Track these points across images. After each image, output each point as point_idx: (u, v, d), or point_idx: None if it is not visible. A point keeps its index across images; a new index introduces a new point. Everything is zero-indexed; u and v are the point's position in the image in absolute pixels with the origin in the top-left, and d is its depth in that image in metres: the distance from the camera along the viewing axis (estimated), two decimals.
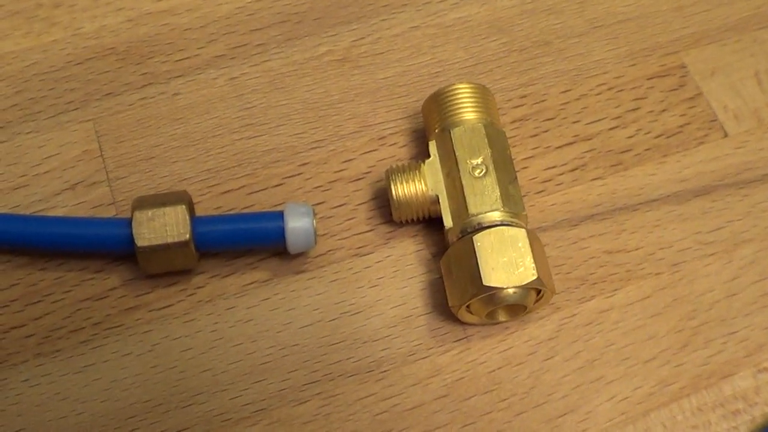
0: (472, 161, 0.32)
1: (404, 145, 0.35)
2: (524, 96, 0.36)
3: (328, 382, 0.31)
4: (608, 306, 0.33)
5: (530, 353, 0.32)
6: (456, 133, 0.33)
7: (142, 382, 0.31)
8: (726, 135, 0.36)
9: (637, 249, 0.34)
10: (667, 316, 0.33)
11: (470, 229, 0.31)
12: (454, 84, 0.34)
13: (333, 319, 0.32)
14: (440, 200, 0.32)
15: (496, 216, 0.31)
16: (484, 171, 0.32)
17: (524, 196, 0.35)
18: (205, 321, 0.32)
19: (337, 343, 0.32)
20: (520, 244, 0.31)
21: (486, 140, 0.32)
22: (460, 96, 0.33)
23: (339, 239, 0.34)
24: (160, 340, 0.32)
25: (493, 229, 0.31)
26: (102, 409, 0.31)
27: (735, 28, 0.39)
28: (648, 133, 0.36)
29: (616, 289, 0.33)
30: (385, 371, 0.32)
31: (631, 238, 0.34)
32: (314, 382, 0.31)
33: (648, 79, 0.37)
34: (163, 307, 0.32)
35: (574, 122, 0.36)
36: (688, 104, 0.37)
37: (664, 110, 0.37)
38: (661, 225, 0.35)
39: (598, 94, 0.37)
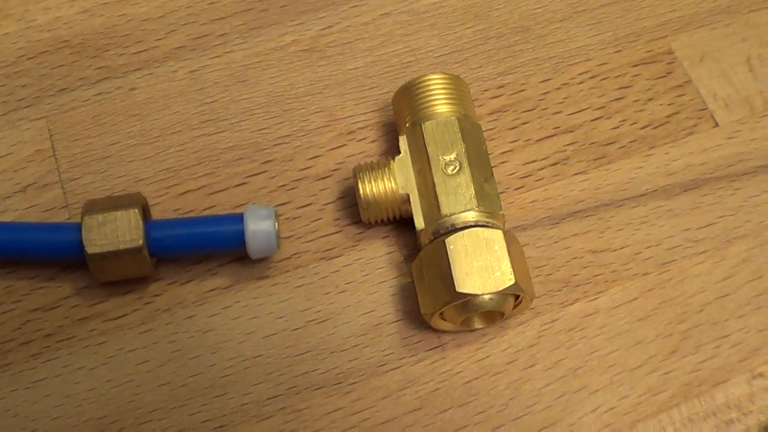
0: (445, 157, 0.30)
1: (374, 140, 0.33)
2: (502, 86, 0.34)
3: (293, 395, 0.30)
4: (592, 310, 0.31)
5: (509, 362, 0.30)
6: (427, 127, 0.31)
7: (95, 398, 0.30)
8: (716, 125, 0.34)
9: (622, 248, 0.32)
10: (655, 319, 0.31)
11: (443, 230, 0.29)
12: (425, 75, 0.32)
13: (298, 328, 0.30)
14: (411, 200, 0.30)
15: (470, 216, 0.29)
16: (457, 168, 0.30)
17: (502, 193, 0.33)
18: (162, 331, 0.30)
19: (303, 353, 0.30)
20: (496, 247, 0.29)
21: (459, 134, 0.30)
22: (432, 87, 0.31)
23: (305, 242, 0.32)
24: (115, 353, 0.30)
25: (467, 230, 0.29)
26: (53, 427, 0.29)
27: (726, 11, 0.36)
28: (634, 123, 0.34)
29: (600, 292, 0.31)
30: (353, 383, 0.30)
31: (617, 236, 0.32)
32: (278, 395, 0.30)
33: (633, 66, 0.35)
34: (119, 317, 0.31)
35: (555, 113, 0.34)
36: (676, 92, 0.35)
37: (650, 99, 0.34)
38: (648, 222, 0.33)
39: (580, 83, 0.35)
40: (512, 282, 0.28)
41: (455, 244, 0.29)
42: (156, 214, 0.32)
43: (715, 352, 0.31)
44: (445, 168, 0.30)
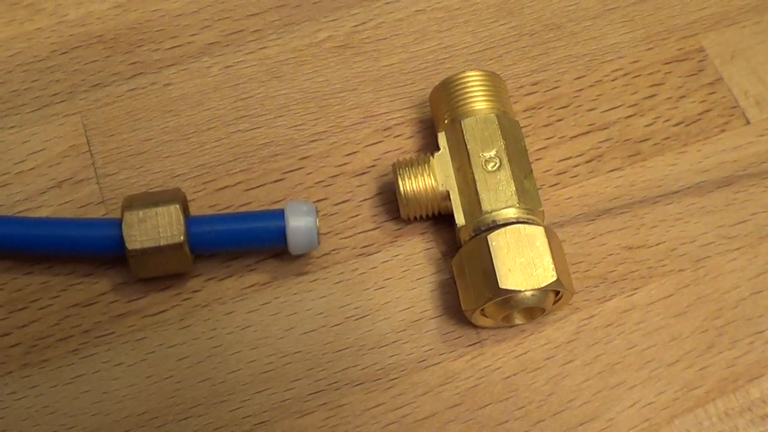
0: (485, 154, 0.30)
1: (411, 137, 0.33)
2: (536, 83, 0.34)
3: (334, 391, 0.30)
4: (629, 306, 0.31)
5: (548, 357, 0.30)
6: (467, 124, 0.31)
7: (135, 394, 0.29)
8: (748, 122, 0.35)
9: (658, 244, 0.32)
10: (690, 315, 0.31)
11: (484, 227, 0.29)
12: (463, 71, 0.32)
13: (337, 324, 0.30)
14: (451, 196, 0.30)
15: (511, 213, 0.29)
16: (497, 164, 0.30)
17: (539, 188, 0.33)
18: (201, 327, 0.30)
19: (343, 349, 0.30)
20: (537, 243, 0.29)
21: (499, 131, 0.31)
22: (470, 84, 0.31)
23: (343, 238, 0.32)
24: (154, 348, 0.30)
25: (508, 227, 0.29)
26: (93, 423, 0.29)
27: (756, 9, 0.37)
28: (667, 120, 0.34)
29: (637, 288, 0.32)
30: (394, 379, 0.30)
31: (652, 232, 0.32)
32: (319, 391, 0.30)
33: (665, 63, 0.35)
34: (157, 313, 0.31)
35: (590, 110, 0.34)
36: (707, 90, 0.35)
37: (682, 96, 0.35)
38: (682, 218, 0.33)
39: (613, 80, 0.35)
40: (554, 278, 0.28)
41: (497, 240, 0.29)
42: (193, 210, 0.32)
43: (750, 347, 0.31)
44: (485, 165, 0.30)
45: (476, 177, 0.30)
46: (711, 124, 0.34)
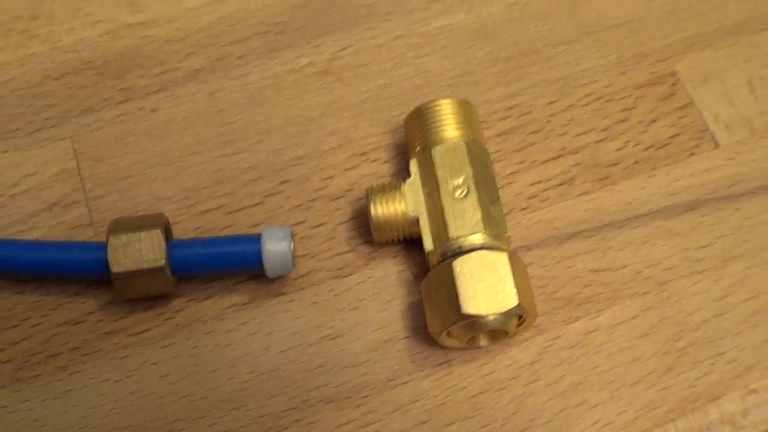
0: (453, 181, 0.31)
1: (386, 161, 0.34)
2: (510, 108, 0.36)
3: (307, 408, 0.31)
4: (593, 327, 0.33)
5: (512, 377, 0.32)
6: (437, 151, 0.32)
7: (120, 409, 0.31)
8: (717, 146, 0.35)
9: (624, 267, 0.33)
10: (653, 337, 0.32)
11: (450, 252, 0.31)
12: (435, 100, 0.33)
13: (312, 344, 0.32)
14: (420, 222, 0.32)
15: (477, 239, 0.31)
16: (465, 192, 0.31)
17: (508, 213, 0.34)
18: (183, 346, 0.32)
19: (317, 368, 0.32)
20: (500, 269, 0.30)
21: (468, 159, 0.32)
22: (441, 112, 0.33)
23: (319, 260, 0.33)
24: (138, 366, 0.32)
25: (473, 253, 0.30)
26: None
27: (730, 32, 0.37)
28: (637, 144, 0.35)
29: (601, 310, 0.33)
30: (364, 397, 0.31)
31: (618, 255, 0.33)
32: (293, 408, 0.31)
33: (638, 88, 0.36)
34: (141, 332, 0.32)
35: (561, 135, 0.35)
36: (678, 114, 0.36)
37: (653, 121, 0.36)
38: (649, 241, 0.34)
39: (585, 105, 0.36)
40: (516, 303, 0.30)
41: (462, 266, 0.30)
42: (177, 232, 0.33)
43: (711, 368, 0.32)
44: (453, 192, 0.31)
45: (444, 204, 0.31)
46: (680, 147, 0.35)
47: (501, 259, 0.30)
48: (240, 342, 0.32)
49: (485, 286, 0.30)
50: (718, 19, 0.38)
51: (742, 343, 0.33)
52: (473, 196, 0.31)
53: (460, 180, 0.31)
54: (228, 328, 0.32)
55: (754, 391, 0.32)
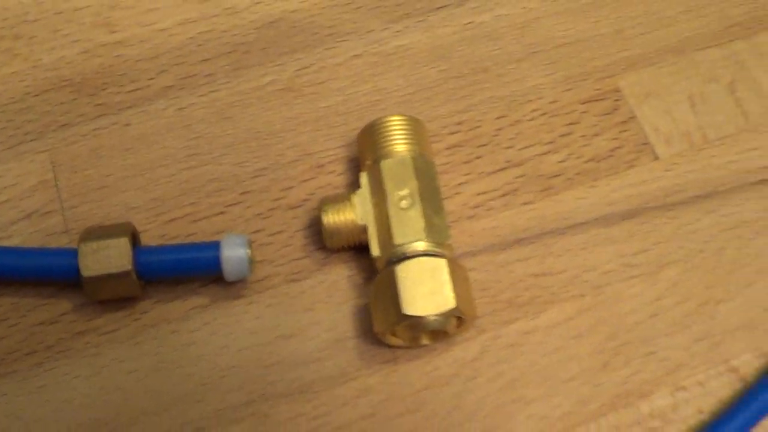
0: (399, 193, 0.34)
1: (342, 173, 0.37)
2: (460, 122, 0.38)
3: (263, 402, 0.33)
4: (532, 328, 0.35)
5: (454, 374, 0.34)
6: (385, 165, 0.34)
7: (90, 403, 0.33)
8: (656, 158, 0.38)
9: (562, 272, 0.35)
10: (588, 337, 0.35)
11: (395, 258, 0.33)
12: (386, 116, 0.35)
13: (268, 343, 0.34)
14: (369, 230, 0.34)
15: (419, 246, 0.33)
16: (410, 202, 0.34)
17: (455, 221, 0.36)
18: (149, 345, 0.34)
19: (272, 365, 0.34)
20: (440, 274, 0.32)
21: (413, 172, 0.34)
22: (391, 128, 0.35)
23: (276, 266, 0.35)
24: (107, 363, 0.34)
25: (415, 259, 0.33)
26: (53, 429, 0.33)
27: (673, 50, 0.40)
28: (579, 157, 0.37)
29: (540, 312, 0.35)
30: (316, 392, 0.34)
31: (558, 261, 0.36)
32: (249, 402, 0.33)
33: (582, 103, 0.38)
34: (111, 331, 0.35)
35: (507, 148, 0.37)
36: (620, 128, 0.38)
37: (596, 134, 0.38)
38: (587, 248, 0.36)
39: (531, 120, 0.38)
40: (453, 306, 0.32)
41: (404, 271, 0.32)
42: (145, 239, 0.36)
43: (643, 366, 0.34)
44: (398, 202, 0.34)
45: (390, 213, 0.33)
46: (621, 160, 0.37)
47: (440, 264, 0.33)
48: (202, 341, 0.34)
49: (425, 289, 0.32)
50: (663, 38, 0.40)
51: (674, 343, 0.35)
52: (417, 207, 0.33)
53: (406, 191, 0.34)
54: (191, 328, 0.35)
55: (684, 387, 0.34)
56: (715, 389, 0.34)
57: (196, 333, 0.34)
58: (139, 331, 0.35)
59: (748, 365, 0.35)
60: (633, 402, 0.34)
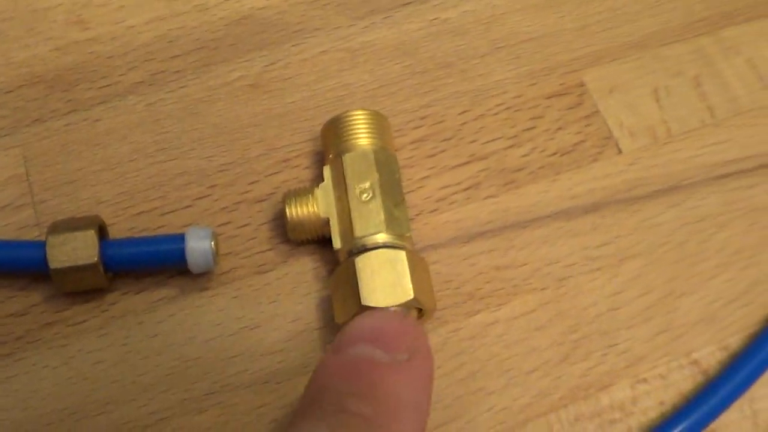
0: (361, 186, 0.34)
1: (307, 167, 0.37)
2: (424, 117, 0.38)
3: (227, 392, 0.34)
4: (493, 320, 0.35)
5: None
6: (347, 159, 0.35)
7: (58, 392, 0.34)
8: (620, 152, 0.38)
9: (524, 265, 0.36)
10: (549, 329, 0.35)
11: (356, 250, 0.34)
12: (349, 111, 0.36)
13: (233, 334, 0.35)
14: (331, 222, 0.34)
15: (380, 238, 0.34)
16: (370, 195, 0.34)
17: (418, 214, 0.37)
18: (116, 335, 0.35)
19: (237, 356, 0.35)
20: (398, 265, 0.33)
21: (375, 165, 0.34)
22: (354, 122, 0.35)
23: (242, 258, 0.36)
24: (75, 353, 0.35)
25: (375, 251, 0.33)
26: (22, 417, 0.34)
27: (638, 45, 0.40)
28: (543, 151, 0.38)
29: (501, 304, 0.35)
30: (279, 382, 0.34)
31: (520, 254, 0.36)
32: (214, 392, 0.34)
33: (546, 98, 0.39)
34: (80, 323, 0.35)
35: (471, 142, 0.38)
36: (584, 122, 0.38)
37: (559, 128, 0.38)
38: (549, 241, 0.36)
39: (495, 114, 0.38)
40: (411, 296, 0.32)
41: (363, 263, 0.33)
42: (113, 232, 0.36)
43: (603, 359, 0.35)
44: (360, 195, 0.34)
45: (351, 206, 0.34)
46: (584, 153, 0.38)
47: (400, 256, 0.33)
48: (168, 332, 0.35)
49: (384, 280, 0.33)
50: (627, 33, 0.40)
51: (635, 335, 0.35)
52: (378, 200, 0.34)
53: (367, 184, 0.34)
54: (158, 320, 0.35)
55: (644, 380, 0.34)
56: (676, 382, 0.34)
57: (162, 324, 0.35)
58: (106, 322, 0.35)
59: (709, 357, 0.35)
60: (593, 394, 0.34)
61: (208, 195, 0.37)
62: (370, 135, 0.35)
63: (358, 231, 0.34)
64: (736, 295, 0.36)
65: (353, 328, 0.29)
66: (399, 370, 0.27)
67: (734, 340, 0.35)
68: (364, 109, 0.36)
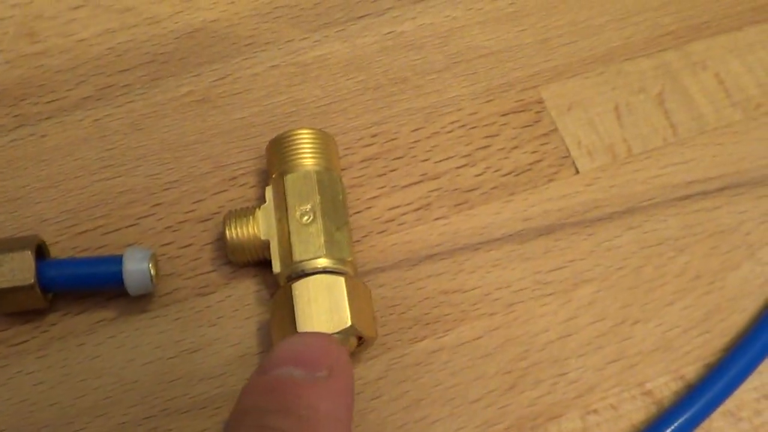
0: (301, 208, 0.33)
1: (254, 186, 0.36)
2: (376, 135, 0.37)
3: (164, 417, 0.33)
4: (438, 346, 0.34)
5: (357, 392, 0.34)
6: (288, 179, 0.34)
7: None
8: (577, 172, 0.37)
9: (473, 289, 0.35)
10: (497, 356, 0.34)
11: (295, 275, 0.33)
12: (292, 130, 0.35)
13: (172, 357, 0.34)
14: (271, 245, 0.34)
15: (319, 263, 0.33)
16: (311, 218, 0.33)
17: (365, 236, 0.36)
18: (56, 357, 0.34)
19: (176, 380, 0.34)
20: (336, 292, 0.32)
21: (317, 187, 0.34)
22: (297, 142, 0.35)
23: (184, 279, 0.35)
24: (14, 375, 0.34)
25: (312, 276, 0.32)
26: None
27: (600, 60, 0.39)
28: (497, 171, 0.37)
29: (448, 330, 0.34)
30: (218, 408, 0.33)
31: (469, 278, 0.35)
32: (151, 417, 0.33)
33: (502, 115, 0.38)
34: (19, 343, 0.35)
35: (424, 161, 0.37)
36: (541, 141, 0.37)
37: (515, 147, 0.37)
38: (500, 265, 0.35)
39: (449, 132, 0.37)
40: (348, 324, 0.31)
41: (300, 289, 0.32)
42: (56, 251, 0.36)
43: (553, 388, 0.34)
44: (300, 218, 0.33)
45: (291, 229, 0.33)
46: (540, 173, 0.37)
47: (338, 282, 0.32)
48: (107, 354, 0.34)
49: (321, 307, 0.32)
50: (589, 47, 0.39)
51: (586, 364, 0.34)
52: (318, 222, 0.33)
53: (308, 207, 0.33)
54: (97, 341, 0.34)
55: (595, 411, 0.33)
56: (628, 413, 0.33)
57: (101, 346, 0.34)
58: (46, 344, 0.35)
59: (663, 388, 0.34)
60: (541, 424, 0.33)
61: (153, 214, 0.36)
62: (314, 155, 0.34)
63: (297, 255, 0.33)
64: (694, 322, 0.35)
65: (277, 350, 0.29)
66: (318, 385, 0.28)
67: (690, 369, 0.34)
68: (308, 128, 0.35)
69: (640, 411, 0.33)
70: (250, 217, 0.34)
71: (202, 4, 0.39)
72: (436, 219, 0.36)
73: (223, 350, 0.34)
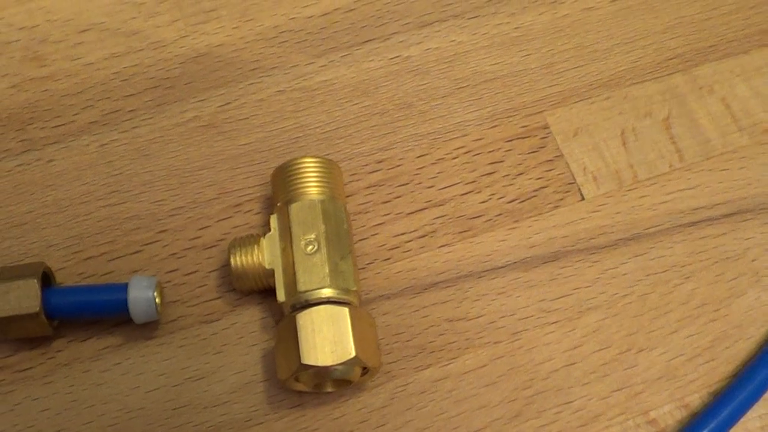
0: (306, 237, 0.33)
1: (259, 212, 0.37)
2: (381, 161, 0.37)
3: None
4: (443, 375, 0.34)
5: (362, 421, 0.34)
6: (293, 208, 0.34)
7: None
8: (582, 198, 0.37)
9: (478, 317, 0.35)
10: (501, 385, 0.34)
11: (299, 305, 0.33)
12: (298, 158, 0.35)
13: (177, 385, 0.34)
14: (275, 274, 0.34)
15: (324, 293, 0.33)
16: (315, 247, 0.33)
17: (370, 263, 0.36)
18: (62, 383, 0.35)
19: (181, 407, 0.34)
20: (341, 322, 0.32)
21: (321, 216, 0.34)
22: (303, 170, 0.35)
23: (189, 306, 0.35)
24: (20, 401, 0.34)
25: (316, 307, 0.32)
26: None
27: (607, 85, 0.39)
28: (502, 197, 0.37)
29: (453, 358, 0.34)
30: None
31: (474, 306, 0.35)
32: None
33: (507, 141, 0.37)
34: (25, 369, 0.35)
35: (428, 187, 0.37)
36: (546, 167, 0.37)
37: (520, 173, 0.37)
38: (505, 292, 0.35)
39: (454, 158, 0.37)
40: (352, 355, 0.32)
41: (304, 319, 0.32)
42: (61, 277, 0.36)
43: (557, 417, 0.34)
44: (304, 247, 0.33)
45: (295, 259, 0.33)
46: (545, 200, 0.37)
47: (342, 312, 0.32)
48: (113, 381, 0.34)
49: (325, 338, 0.32)
50: (596, 72, 0.39)
51: (591, 392, 0.34)
52: (323, 252, 0.33)
53: (312, 236, 0.33)
54: (103, 368, 0.35)
55: None
56: None
57: (107, 373, 0.35)
58: (52, 370, 0.35)
59: (668, 416, 0.34)
60: None
61: (158, 240, 0.36)
62: (318, 184, 0.34)
63: (302, 285, 0.33)
64: (699, 350, 0.35)
65: None
66: None
67: (695, 398, 0.34)
68: (313, 156, 0.35)
69: None
70: (255, 246, 0.34)
71: (208, 29, 0.39)
72: (441, 246, 0.36)
73: (227, 377, 0.34)
